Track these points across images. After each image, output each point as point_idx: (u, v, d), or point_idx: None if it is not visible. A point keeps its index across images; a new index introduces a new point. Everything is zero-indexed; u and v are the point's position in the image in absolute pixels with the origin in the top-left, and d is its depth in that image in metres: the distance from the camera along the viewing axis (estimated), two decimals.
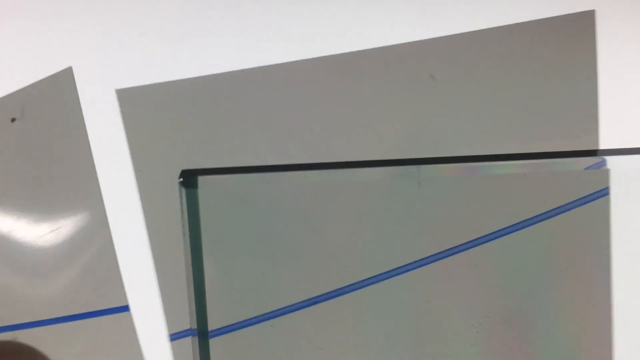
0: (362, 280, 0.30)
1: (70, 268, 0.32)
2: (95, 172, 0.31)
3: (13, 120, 0.32)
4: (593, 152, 0.30)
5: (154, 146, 0.30)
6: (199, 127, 0.29)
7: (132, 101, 0.30)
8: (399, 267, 0.30)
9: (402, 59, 0.30)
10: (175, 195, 0.27)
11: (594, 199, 0.31)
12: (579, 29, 0.30)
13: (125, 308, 0.31)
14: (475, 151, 0.30)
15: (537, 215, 0.31)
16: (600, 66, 0.30)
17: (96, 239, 0.31)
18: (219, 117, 0.29)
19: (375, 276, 0.30)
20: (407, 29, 0.29)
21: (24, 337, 0.32)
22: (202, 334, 0.29)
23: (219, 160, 0.30)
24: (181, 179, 0.26)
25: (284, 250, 0.29)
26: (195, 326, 0.29)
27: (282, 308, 0.30)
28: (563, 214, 0.31)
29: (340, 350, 0.31)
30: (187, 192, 0.27)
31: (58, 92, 0.31)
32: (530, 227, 0.31)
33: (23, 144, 0.32)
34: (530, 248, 0.31)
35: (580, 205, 0.31)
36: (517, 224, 0.31)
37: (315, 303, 0.30)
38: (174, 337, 0.31)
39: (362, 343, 0.31)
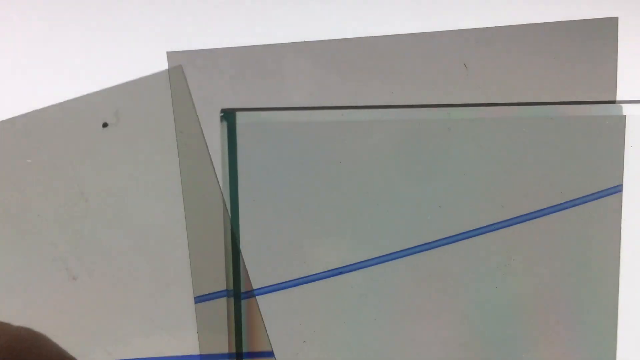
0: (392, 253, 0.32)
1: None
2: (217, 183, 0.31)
3: (105, 125, 0.30)
4: (612, 102, 0.32)
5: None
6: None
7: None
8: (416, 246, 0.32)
9: (439, 47, 0.32)
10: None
11: (607, 195, 0.33)
12: (602, 33, 0.32)
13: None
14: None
15: (553, 206, 0.33)
16: (620, 67, 0.32)
17: None
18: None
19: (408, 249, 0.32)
20: (445, 18, 0.31)
21: None
22: (236, 295, 0.30)
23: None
24: (222, 114, 0.28)
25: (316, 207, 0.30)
26: (231, 287, 0.30)
27: (316, 274, 0.32)
28: (577, 207, 0.32)
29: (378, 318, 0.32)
30: (227, 126, 0.28)
31: (164, 91, 0.30)
32: (545, 216, 0.33)
33: (118, 152, 0.31)
34: (543, 236, 0.32)
35: (594, 199, 0.33)
36: (533, 212, 0.33)
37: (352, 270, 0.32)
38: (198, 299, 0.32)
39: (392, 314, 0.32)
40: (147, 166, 0.30)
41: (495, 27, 0.32)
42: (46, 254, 0.31)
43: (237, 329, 0.31)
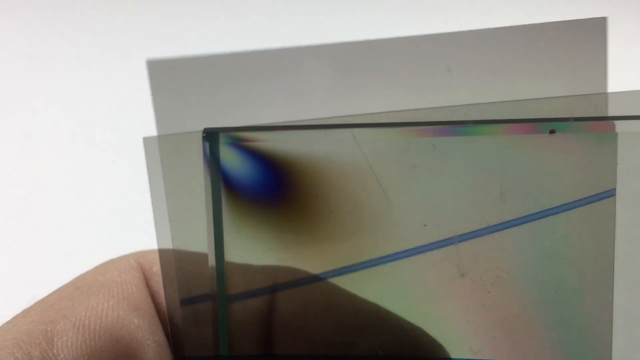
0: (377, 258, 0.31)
1: None
2: None
3: (552, 132, 0.29)
4: (603, 118, 0.31)
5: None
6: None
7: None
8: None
9: (422, 50, 0.31)
10: None
11: (600, 199, 0.32)
12: (591, 34, 0.31)
13: None
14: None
15: (543, 211, 0.31)
16: (610, 68, 0.31)
17: None
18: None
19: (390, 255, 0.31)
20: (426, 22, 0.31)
21: None
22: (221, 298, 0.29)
23: None
24: (204, 134, 0.28)
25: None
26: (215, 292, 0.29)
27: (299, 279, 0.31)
28: (569, 211, 0.32)
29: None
30: (210, 147, 0.28)
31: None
32: (535, 221, 0.31)
33: None
34: (534, 241, 0.32)
35: (586, 204, 0.32)
36: (524, 217, 0.32)
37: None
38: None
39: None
40: None
41: (481, 30, 0.31)
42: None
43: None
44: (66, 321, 0.25)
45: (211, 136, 0.29)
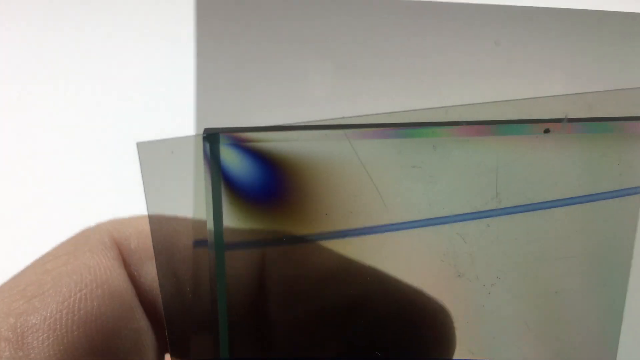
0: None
1: None
2: None
3: (547, 131, 0.28)
4: (597, 119, 0.30)
5: None
6: None
7: None
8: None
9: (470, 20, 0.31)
10: None
11: (627, 195, 0.31)
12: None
13: None
14: None
15: (568, 198, 0.31)
16: None
17: None
18: None
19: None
20: None
21: None
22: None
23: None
24: (204, 135, 0.27)
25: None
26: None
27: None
28: (594, 202, 0.31)
29: None
30: (210, 148, 0.27)
31: None
32: (558, 207, 0.31)
33: None
34: (554, 228, 0.31)
35: (613, 197, 0.31)
36: (545, 202, 0.31)
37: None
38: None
39: None
40: None
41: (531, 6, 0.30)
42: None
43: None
44: (37, 315, 0.24)
45: (212, 137, 0.29)
